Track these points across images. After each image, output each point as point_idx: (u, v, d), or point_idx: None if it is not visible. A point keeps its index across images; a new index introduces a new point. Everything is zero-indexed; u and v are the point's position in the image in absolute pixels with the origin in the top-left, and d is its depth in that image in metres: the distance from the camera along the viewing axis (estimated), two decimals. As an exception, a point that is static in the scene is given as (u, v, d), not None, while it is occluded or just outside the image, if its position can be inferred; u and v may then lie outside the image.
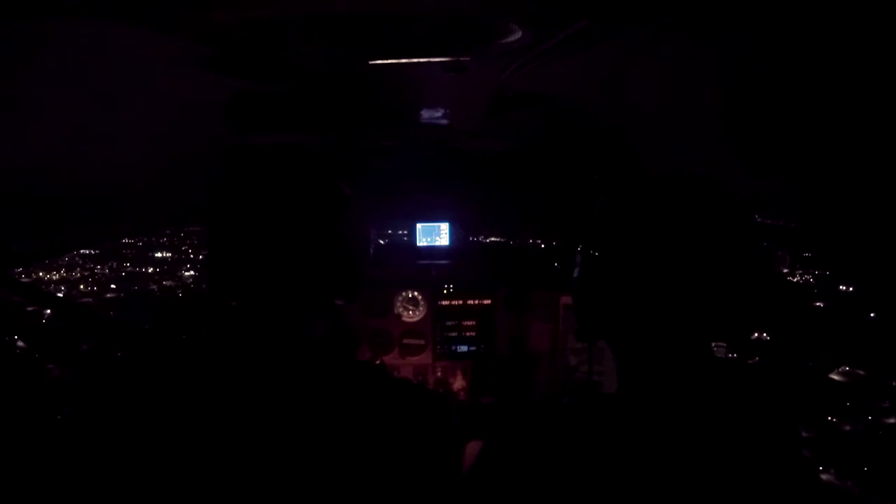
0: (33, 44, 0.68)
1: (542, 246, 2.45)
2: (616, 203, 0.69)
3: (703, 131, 1.22)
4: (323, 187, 0.75)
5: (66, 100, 0.85)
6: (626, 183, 0.69)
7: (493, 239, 2.59)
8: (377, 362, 2.16)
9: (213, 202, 0.75)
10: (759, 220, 1.32)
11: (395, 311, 2.26)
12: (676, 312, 0.65)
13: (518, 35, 0.80)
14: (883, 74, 0.70)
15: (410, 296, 2.28)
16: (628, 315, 0.68)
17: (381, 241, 2.50)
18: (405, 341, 2.23)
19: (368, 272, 0.82)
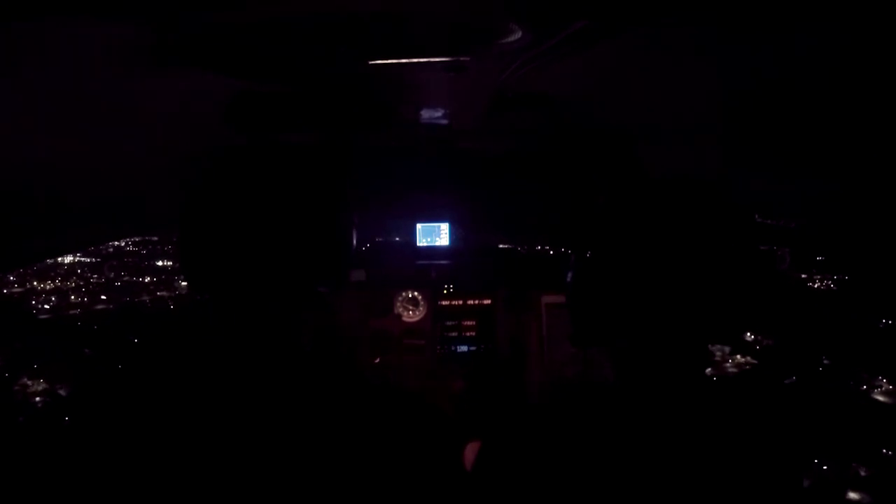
0: (33, 44, 0.68)
1: (552, 253, 2.44)
2: (614, 206, 0.69)
3: (703, 131, 1.23)
4: (302, 169, 0.72)
5: (65, 100, 0.85)
6: (624, 187, 0.69)
7: (502, 246, 2.58)
8: (376, 361, 2.16)
9: (186, 193, 0.72)
10: (759, 219, 1.31)
11: (395, 311, 2.27)
12: (674, 316, 0.65)
13: (518, 35, 0.80)
14: (884, 74, 0.70)
15: (410, 296, 2.28)
16: (625, 319, 0.68)
17: (378, 239, 2.50)
18: (405, 341, 2.23)
19: (352, 257, 0.78)
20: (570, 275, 0.74)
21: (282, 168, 0.71)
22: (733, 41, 0.77)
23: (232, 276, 0.69)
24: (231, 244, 0.68)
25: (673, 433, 0.63)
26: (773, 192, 1.26)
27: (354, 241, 0.79)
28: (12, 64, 0.71)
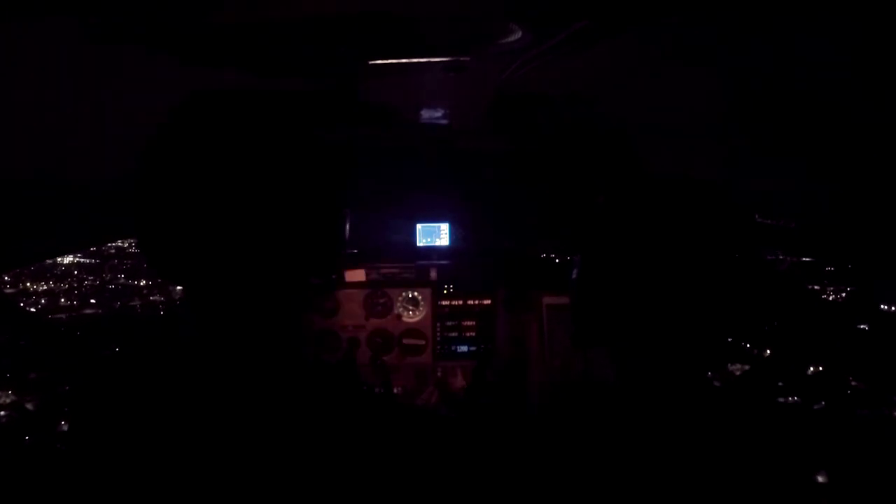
0: (31, 42, 0.68)
1: (557, 261, 2.42)
2: (614, 207, 0.69)
3: (703, 131, 1.22)
4: (291, 136, 0.60)
5: (59, 99, 0.85)
6: (623, 187, 0.69)
7: (524, 251, 2.57)
8: (378, 362, 2.16)
9: (149, 150, 0.57)
10: (759, 220, 1.32)
11: (395, 311, 2.26)
12: (672, 315, 0.65)
13: (518, 35, 0.81)
14: (884, 74, 0.70)
15: (410, 296, 2.28)
16: (626, 319, 0.67)
17: (379, 246, 2.49)
18: (405, 341, 2.23)
19: (344, 245, 0.67)
20: (572, 274, 0.73)
21: (273, 145, 0.58)
22: (733, 41, 0.77)
23: (208, 260, 0.56)
24: (205, 221, 0.55)
25: (673, 434, 0.63)
26: (774, 193, 1.26)
27: (347, 229, 0.68)
28: (12, 63, 0.71)
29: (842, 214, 1.16)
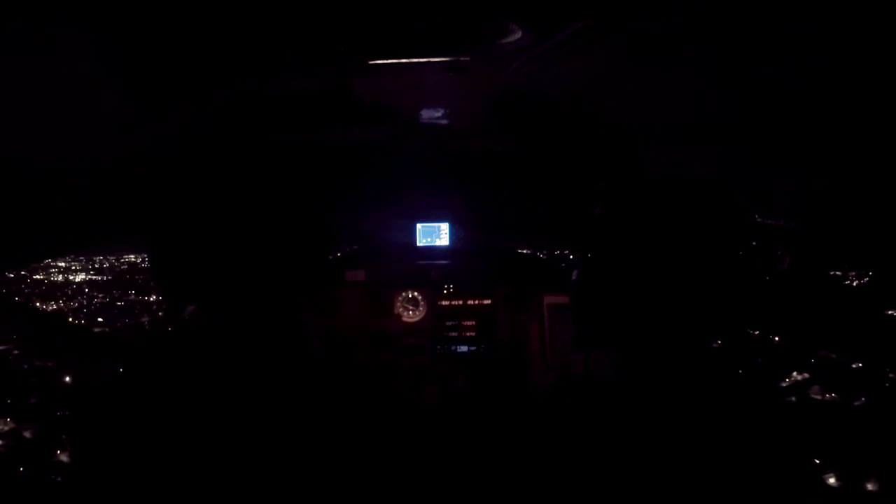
0: (36, 43, 0.68)
1: (571, 257, 2.41)
2: (613, 207, 0.69)
3: (703, 131, 1.23)
4: (278, 174, 0.70)
5: (55, 102, 0.85)
6: (622, 187, 0.69)
7: (524, 251, 2.56)
8: (376, 361, 2.15)
9: (156, 189, 0.68)
10: (759, 219, 1.32)
11: (395, 311, 2.27)
12: (670, 311, 0.65)
13: (518, 35, 0.81)
14: (884, 73, 0.70)
15: (410, 296, 2.28)
16: (629, 319, 0.67)
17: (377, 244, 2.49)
18: (405, 341, 2.23)
19: (328, 262, 0.78)
20: (573, 276, 0.73)
21: (256, 173, 0.69)
22: (732, 41, 0.77)
23: (215, 287, 0.67)
24: (211, 255, 0.65)
25: (675, 434, 0.63)
26: (774, 193, 1.26)
27: (328, 244, 0.77)
28: (13, 66, 0.71)
29: (842, 215, 1.16)
